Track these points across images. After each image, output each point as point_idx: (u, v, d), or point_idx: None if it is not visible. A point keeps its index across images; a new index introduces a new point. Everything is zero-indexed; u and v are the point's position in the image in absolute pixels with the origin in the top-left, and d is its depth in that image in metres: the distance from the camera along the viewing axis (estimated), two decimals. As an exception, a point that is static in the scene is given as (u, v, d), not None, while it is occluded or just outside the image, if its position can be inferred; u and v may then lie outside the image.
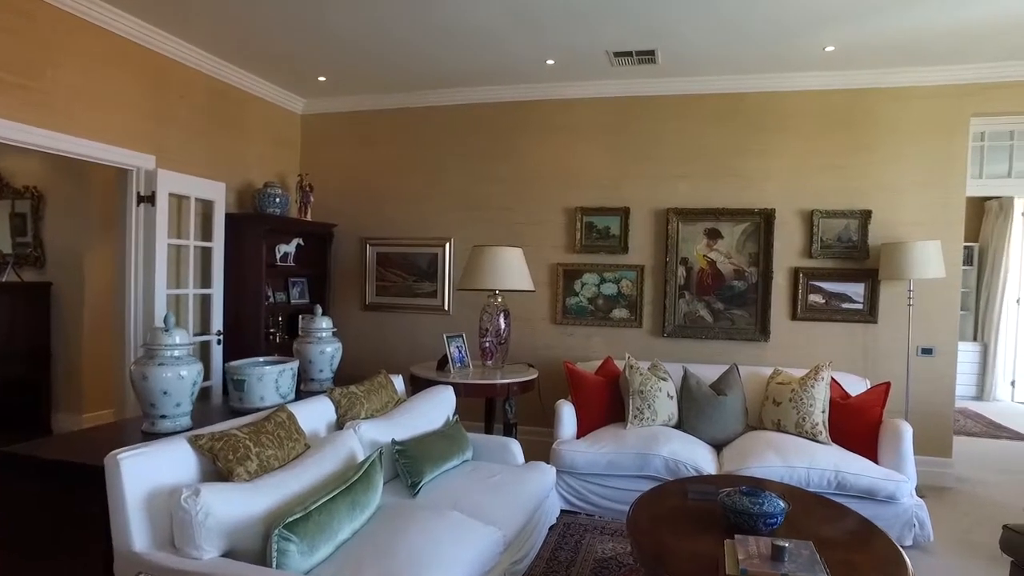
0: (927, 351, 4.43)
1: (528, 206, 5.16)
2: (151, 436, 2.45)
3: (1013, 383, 7.94)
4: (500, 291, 4.44)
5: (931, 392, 4.43)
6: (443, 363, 4.45)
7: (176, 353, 2.53)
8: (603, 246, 4.99)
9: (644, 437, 3.88)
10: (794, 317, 4.65)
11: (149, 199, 4.14)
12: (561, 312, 5.09)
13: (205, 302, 4.61)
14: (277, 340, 5.03)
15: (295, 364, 3.18)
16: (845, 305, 4.58)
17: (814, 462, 3.57)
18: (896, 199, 4.46)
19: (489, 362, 4.51)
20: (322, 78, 5.01)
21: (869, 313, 4.53)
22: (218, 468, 2.24)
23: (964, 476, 4.59)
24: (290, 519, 2.04)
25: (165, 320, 2.58)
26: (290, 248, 5.19)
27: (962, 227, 4.40)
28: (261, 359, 3.22)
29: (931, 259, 4.13)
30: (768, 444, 3.77)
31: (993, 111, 4.34)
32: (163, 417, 2.52)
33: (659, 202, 4.88)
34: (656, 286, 4.90)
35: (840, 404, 3.97)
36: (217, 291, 4.63)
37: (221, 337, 4.63)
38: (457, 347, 4.44)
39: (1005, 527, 2.85)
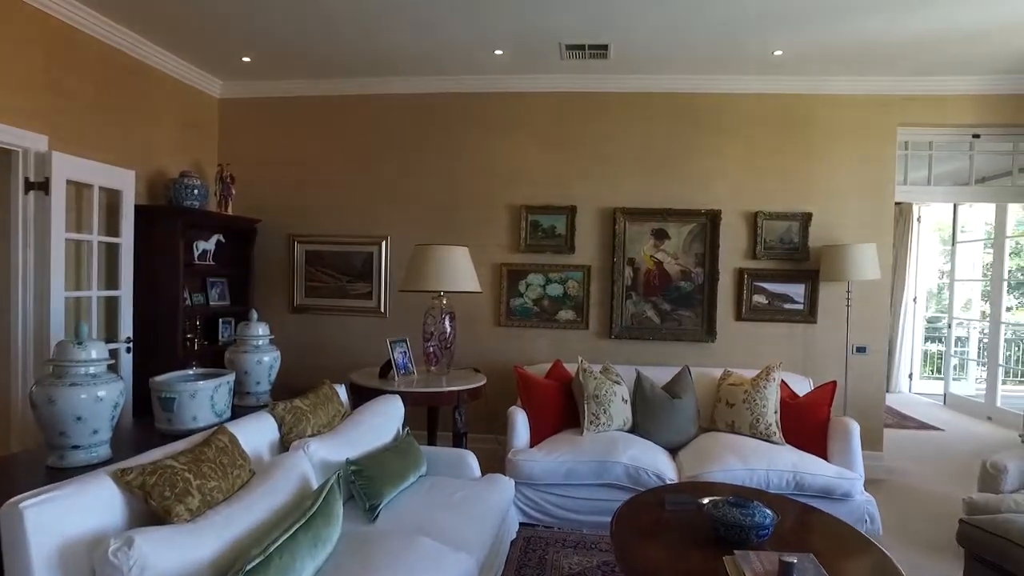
0: (861, 349, 4.60)
1: (471, 203, 4.92)
2: (60, 473, 2.04)
3: (911, 375, 8.54)
4: (445, 292, 4.20)
5: (865, 389, 4.60)
6: (386, 370, 4.15)
7: (92, 370, 2.13)
8: (549, 245, 4.84)
9: (602, 443, 3.76)
10: (739, 318, 4.69)
11: (41, 186, 3.57)
12: (505, 314, 4.90)
13: (111, 305, 4.06)
14: (195, 346, 4.53)
15: (231, 377, 2.81)
16: (787, 305, 4.67)
17: (772, 463, 3.58)
18: (833, 203, 4.59)
19: (434, 367, 4.26)
20: (246, 58, 4.56)
21: (809, 313, 4.64)
22: (152, 508, 1.87)
23: (892, 467, 4.81)
24: (249, 566, 1.73)
25: (77, 330, 2.16)
26: (209, 245, 4.69)
27: (891, 231, 4.59)
28: (191, 372, 2.82)
29: (869, 261, 4.27)
30: (726, 447, 3.75)
31: (917, 122, 4.55)
32: (75, 448, 2.11)
33: (606, 201, 4.79)
34: (603, 287, 4.81)
35: (789, 404, 4.02)
36: (126, 293, 4.08)
37: (131, 345, 4.10)
38: (401, 352, 4.15)
39: (961, 521, 2.94)
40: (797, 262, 4.63)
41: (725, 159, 4.67)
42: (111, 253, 4.05)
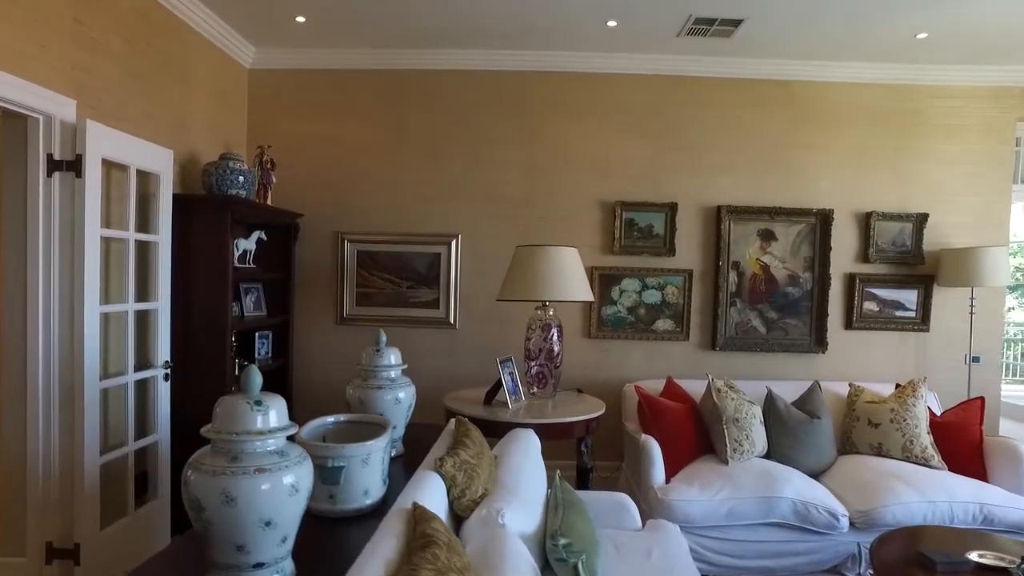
0: (976, 359, 4.33)
1: (556, 198, 4.31)
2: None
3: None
4: (551, 302, 3.59)
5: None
6: (491, 395, 3.50)
7: (274, 445, 1.41)
8: (646, 247, 4.30)
9: (756, 475, 3.28)
10: (848, 326, 4.33)
11: (71, 166, 2.70)
12: (596, 323, 4.32)
13: (142, 320, 3.20)
14: (236, 371, 3.70)
15: (391, 429, 2.11)
16: (898, 313, 4.34)
17: (952, 495, 3.20)
18: (947, 203, 4.29)
19: (536, 389, 3.64)
20: (301, 18, 3.76)
21: (922, 321, 4.33)
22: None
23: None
24: None
25: (246, 381, 1.43)
26: (251, 244, 3.87)
27: (1008, 232, 4.35)
28: (330, 420, 2.11)
29: (997, 266, 3.99)
30: (887, 474, 3.35)
31: (1037, 117, 4.32)
32: (258, 568, 1.39)
33: (708, 198, 4.30)
34: (705, 293, 4.33)
35: (935, 423, 3.68)
36: (164, 304, 3.23)
37: (169, 370, 3.25)
38: (510, 374, 3.50)
39: None
40: (910, 266, 4.30)
41: (835, 154, 4.28)
42: (143, 254, 3.19)
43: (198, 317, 3.38)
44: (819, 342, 4.31)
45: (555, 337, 3.62)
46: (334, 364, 4.33)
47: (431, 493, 2.06)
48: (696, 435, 3.60)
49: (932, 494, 3.19)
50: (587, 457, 3.48)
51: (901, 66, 4.16)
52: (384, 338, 2.49)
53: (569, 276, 3.51)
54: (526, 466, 2.67)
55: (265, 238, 3.96)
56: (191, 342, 3.36)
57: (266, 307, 4.15)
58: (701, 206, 4.30)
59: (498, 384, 3.49)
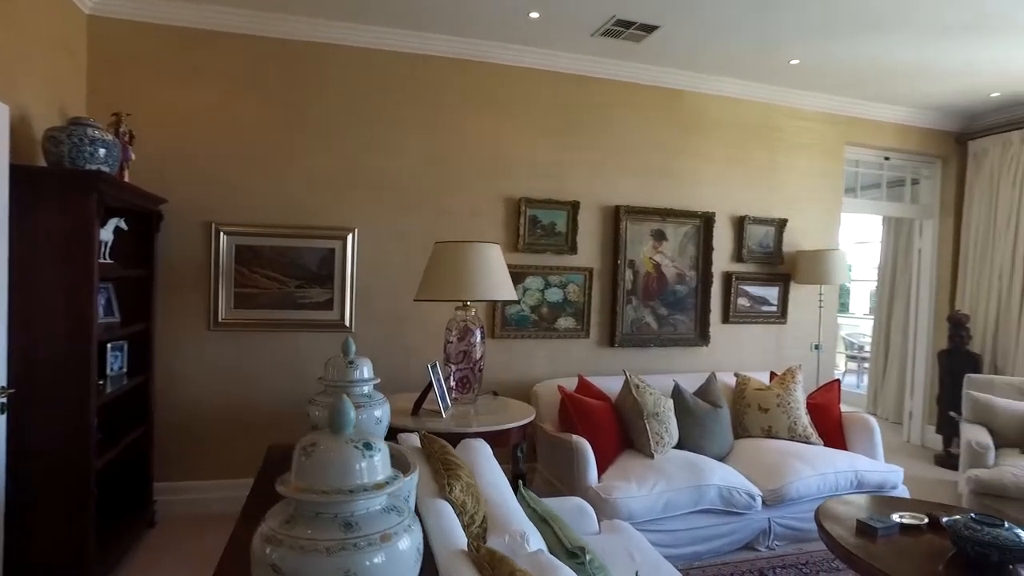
0: (818, 347, 4.97)
1: (459, 192, 4.09)
2: None
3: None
4: (473, 302, 3.41)
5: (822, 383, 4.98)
6: (419, 403, 3.20)
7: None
8: (549, 245, 4.27)
9: (684, 467, 3.41)
10: (726, 320, 4.71)
11: None
12: (500, 323, 4.19)
13: (-35, 333, 2.39)
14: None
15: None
16: (764, 308, 4.83)
17: (834, 466, 3.62)
18: (799, 210, 4.86)
19: (457, 395, 3.42)
20: (176, -39, 3.10)
21: (781, 315, 4.86)
22: None
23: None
24: None
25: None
26: (107, 234, 3.10)
27: (838, 238, 5.05)
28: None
29: (840, 266, 4.62)
30: (784, 454, 3.69)
31: (858, 142, 5.07)
32: None
33: (607, 198, 4.39)
34: (605, 291, 4.41)
35: (808, 404, 4.13)
36: None
37: (5, 400, 2.46)
38: (439, 380, 3.23)
39: None
40: (773, 266, 4.81)
41: (716, 162, 4.63)
42: (-34, 244, 2.39)
43: (47, 327, 2.61)
44: (703, 336, 4.64)
45: (478, 339, 3.43)
46: (207, 378, 3.67)
47: (451, 525, 1.80)
48: (618, 431, 3.65)
49: (821, 467, 3.58)
50: (522, 463, 3.34)
51: (770, 87, 4.64)
52: (354, 346, 2.12)
53: (493, 274, 3.34)
54: (499, 480, 2.47)
55: (125, 227, 3.21)
56: (37, 360, 2.58)
57: (119, 312, 3.37)
58: (601, 205, 4.38)
59: (426, 391, 3.21)
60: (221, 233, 3.67)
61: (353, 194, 3.90)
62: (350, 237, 3.88)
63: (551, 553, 1.87)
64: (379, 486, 1.02)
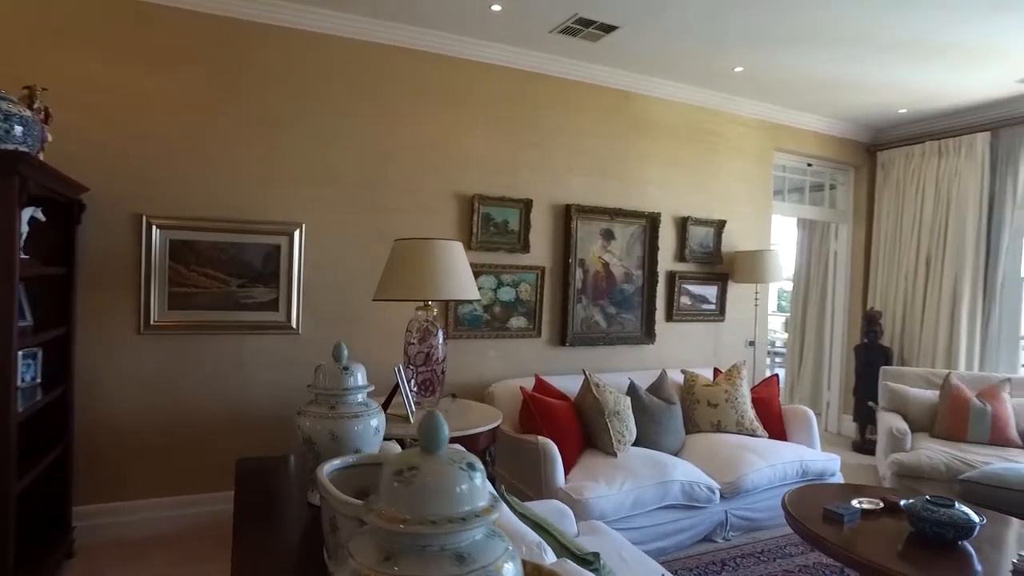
0: (752, 343, 5.21)
1: (412, 188, 3.94)
2: None
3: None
4: (433, 302, 3.29)
5: (756, 377, 5.22)
6: (385, 408, 3.03)
7: None
8: (502, 243, 4.20)
9: (648, 464, 3.45)
10: (669, 319, 4.83)
11: None
12: (453, 323, 4.07)
13: None
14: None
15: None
16: (704, 306, 5.00)
17: (782, 457, 3.79)
18: (735, 212, 5.07)
19: (416, 399, 3.28)
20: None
21: (720, 313, 5.05)
22: None
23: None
24: None
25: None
26: (22, 226, 2.71)
27: (770, 239, 5.32)
28: (350, 459, 1.59)
29: (779, 267, 4.85)
30: (736, 447, 3.82)
31: (786, 148, 5.36)
32: None
33: (558, 197, 4.38)
34: (556, 290, 4.40)
35: (752, 399, 4.31)
36: (-97, 315, 2.07)
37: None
38: (405, 384, 3.07)
39: (962, 480, 3.59)
40: (712, 266, 4.99)
41: (662, 163, 4.74)
42: None
43: (-44, 332, 2.24)
44: (648, 334, 4.73)
45: (440, 340, 3.31)
46: (137, 388, 3.31)
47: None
48: (579, 430, 3.64)
49: (771, 459, 3.74)
50: (491, 466, 3.26)
51: (714, 93, 4.80)
52: (345, 351, 1.95)
53: (457, 273, 3.22)
54: (490, 488, 2.38)
55: (43, 218, 2.82)
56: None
57: (32, 312, 2.96)
58: (553, 204, 4.36)
59: (392, 395, 3.05)
60: (153, 227, 3.32)
61: (301, 188, 3.65)
62: (297, 233, 3.64)
63: (599, 560, 1.82)
64: (487, 510, 0.91)
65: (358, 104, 3.77)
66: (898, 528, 2.66)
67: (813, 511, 2.82)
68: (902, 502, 2.66)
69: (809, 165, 5.67)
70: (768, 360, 8.83)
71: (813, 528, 2.69)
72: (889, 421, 4.39)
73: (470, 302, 4.11)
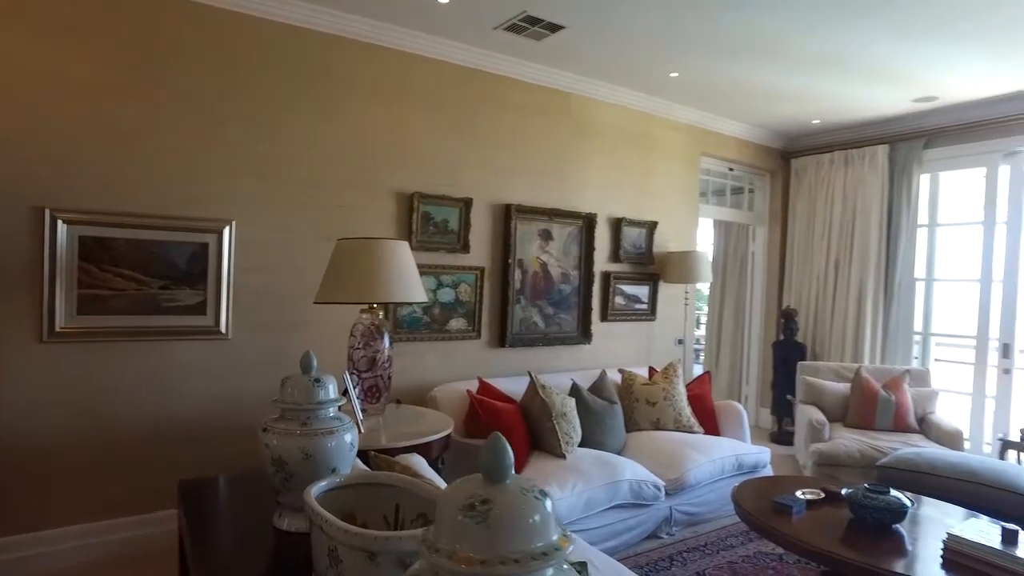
0: (680, 341, 5.38)
1: (349, 185, 3.75)
2: None
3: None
4: (377, 304, 3.15)
5: (686, 376, 5.39)
6: (332, 418, 2.86)
7: None
8: (443, 243, 4.09)
9: (597, 465, 3.47)
10: (604, 319, 4.88)
11: None
12: (393, 326, 3.92)
13: None
14: None
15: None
16: (637, 306, 5.10)
17: (720, 452, 3.92)
18: (665, 214, 5.22)
19: (363, 406, 3.13)
20: None
21: (651, 312, 5.18)
22: None
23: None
24: None
25: None
26: (-96, 219, 2.32)
27: (696, 240, 5.51)
28: (325, 485, 1.48)
29: (705, 266, 5.04)
30: (677, 444, 3.92)
31: (711, 153, 5.58)
32: None
33: (499, 196, 4.32)
34: (495, 291, 4.34)
35: (688, 396, 4.44)
36: None
37: None
38: (354, 391, 2.91)
39: (879, 466, 3.85)
40: (644, 266, 5.10)
41: (598, 164, 4.78)
42: None
43: None
44: (585, 334, 4.77)
45: (386, 344, 3.16)
46: (42, 403, 2.94)
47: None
48: (526, 433, 3.61)
49: (711, 454, 3.87)
50: (443, 474, 3.14)
51: (649, 97, 4.91)
52: (315, 360, 1.80)
53: (405, 274, 3.10)
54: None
55: (-73, 210, 2.44)
56: None
57: (-89, 322, 2.55)
58: (493, 204, 4.30)
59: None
60: (58, 221, 2.95)
61: (232, 182, 3.38)
62: (227, 230, 3.36)
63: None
64: (564, 541, 0.84)
65: (296, 94, 3.55)
66: (840, 516, 2.81)
67: (762, 504, 2.93)
68: (843, 491, 2.82)
69: (731, 170, 5.93)
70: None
71: (764, 520, 2.79)
72: (808, 413, 4.66)
73: (410, 304, 3.98)
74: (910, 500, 2.70)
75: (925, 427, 4.55)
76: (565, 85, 4.52)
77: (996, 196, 4.88)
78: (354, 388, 2.94)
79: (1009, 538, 2.44)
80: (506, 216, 4.33)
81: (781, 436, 5.65)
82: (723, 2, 3.34)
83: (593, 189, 4.78)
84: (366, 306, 3.12)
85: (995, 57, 3.95)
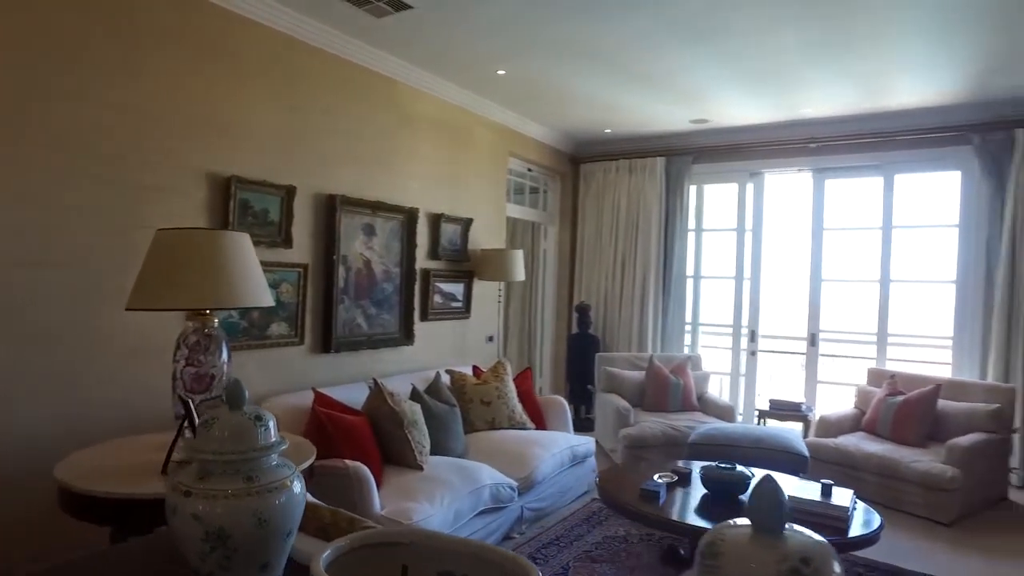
0: (490, 338, 5.41)
1: (155, 159, 2.99)
2: None
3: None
4: (212, 311, 2.59)
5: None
6: (169, 457, 2.22)
7: None
8: (262, 236, 3.48)
9: (455, 473, 3.31)
10: (424, 318, 4.67)
11: None
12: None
13: None
14: None
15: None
16: (453, 304, 4.98)
17: (556, 447, 4.02)
18: (480, 210, 5.18)
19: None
20: None
21: (466, 310, 5.10)
22: None
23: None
24: None
25: None
26: None
27: (504, 237, 5.59)
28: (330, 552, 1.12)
29: (519, 264, 5.13)
30: (519, 442, 3.94)
31: (516, 153, 5.71)
32: None
33: (323, 186, 3.84)
34: (318, 291, 3.85)
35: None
36: None
37: None
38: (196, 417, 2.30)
39: (691, 444, 4.29)
40: (460, 263, 5.00)
41: (422, 158, 4.55)
42: None
43: None
44: (407, 334, 4.51)
45: (224, 357, 2.58)
46: None
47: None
48: (377, 446, 3.27)
49: (551, 449, 3.94)
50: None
51: (471, 94, 4.81)
52: (246, 393, 1.33)
53: (248, 273, 2.58)
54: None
55: None
56: None
57: None
58: (317, 193, 3.81)
59: (176, 439, 2.26)
60: None
61: (8, 153, 2.43)
62: (-32, 212, 2.41)
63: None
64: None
65: (99, 49, 2.71)
66: (695, 492, 3.08)
67: (628, 493, 3.07)
68: (698, 469, 3.09)
69: (529, 170, 6.16)
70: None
71: (636, 507, 2.92)
72: (612, 401, 5.05)
73: (226, 309, 3.32)
74: (751, 473, 3.07)
75: (703, 404, 5.26)
76: (393, 71, 4.21)
77: (744, 208, 5.86)
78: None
79: (826, 492, 2.91)
80: (330, 207, 3.88)
81: (580, 423, 6.04)
82: (572, 6, 3.40)
83: (417, 182, 4.54)
84: (194, 314, 2.51)
85: (751, 93, 4.71)
